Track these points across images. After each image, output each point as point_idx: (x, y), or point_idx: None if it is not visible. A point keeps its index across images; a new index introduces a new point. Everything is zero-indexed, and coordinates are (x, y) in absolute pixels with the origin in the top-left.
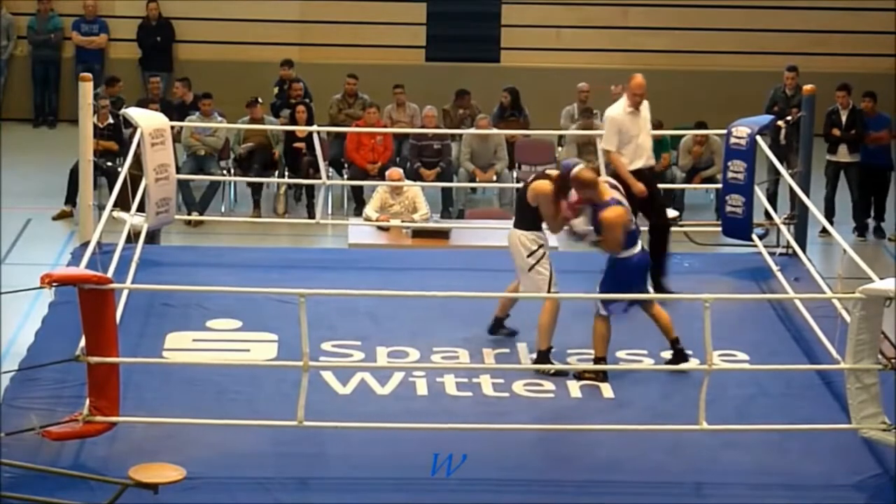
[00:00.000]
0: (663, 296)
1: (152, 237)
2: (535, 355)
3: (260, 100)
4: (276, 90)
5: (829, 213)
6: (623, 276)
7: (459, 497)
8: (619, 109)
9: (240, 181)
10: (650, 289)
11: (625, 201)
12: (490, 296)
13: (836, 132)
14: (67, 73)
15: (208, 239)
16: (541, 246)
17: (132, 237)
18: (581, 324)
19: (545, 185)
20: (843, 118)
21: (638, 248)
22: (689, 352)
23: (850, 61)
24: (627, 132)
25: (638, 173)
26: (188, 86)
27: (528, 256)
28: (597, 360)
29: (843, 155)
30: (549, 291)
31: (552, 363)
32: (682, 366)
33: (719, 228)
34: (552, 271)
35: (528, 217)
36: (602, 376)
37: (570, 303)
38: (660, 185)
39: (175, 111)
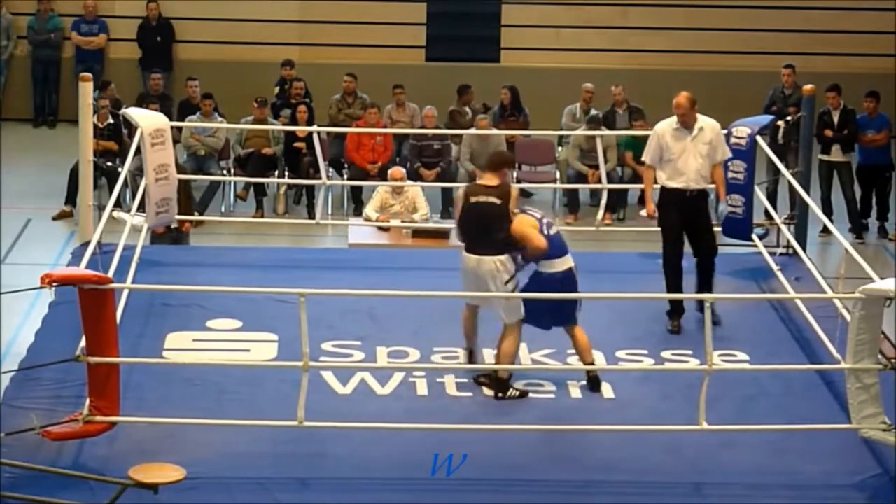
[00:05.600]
0: (665, 295)
1: (178, 239)
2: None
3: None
4: (276, 90)
5: (827, 213)
6: (537, 290)
7: (459, 497)
8: (665, 124)
9: (240, 181)
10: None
11: (533, 212)
12: (490, 295)
13: (829, 133)
14: (67, 73)
15: (208, 239)
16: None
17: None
18: (586, 325)
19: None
20: (835, 119)
21: (562, 266)
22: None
23: (850, 61)
24: (668, 149)
25: (672, 192)
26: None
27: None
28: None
29: (837, 154)
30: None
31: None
32: (683, 366)
33: (719, 228)
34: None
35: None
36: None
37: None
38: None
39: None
